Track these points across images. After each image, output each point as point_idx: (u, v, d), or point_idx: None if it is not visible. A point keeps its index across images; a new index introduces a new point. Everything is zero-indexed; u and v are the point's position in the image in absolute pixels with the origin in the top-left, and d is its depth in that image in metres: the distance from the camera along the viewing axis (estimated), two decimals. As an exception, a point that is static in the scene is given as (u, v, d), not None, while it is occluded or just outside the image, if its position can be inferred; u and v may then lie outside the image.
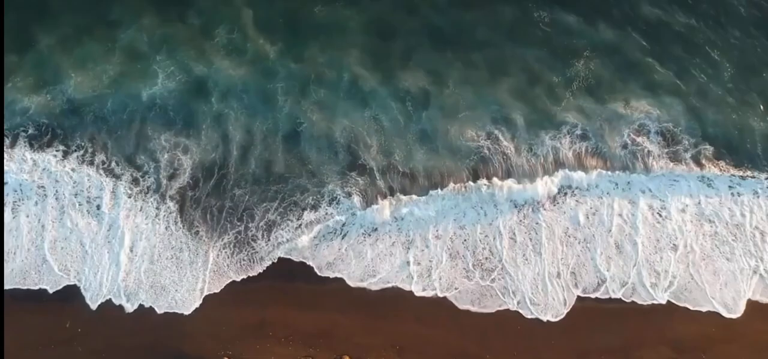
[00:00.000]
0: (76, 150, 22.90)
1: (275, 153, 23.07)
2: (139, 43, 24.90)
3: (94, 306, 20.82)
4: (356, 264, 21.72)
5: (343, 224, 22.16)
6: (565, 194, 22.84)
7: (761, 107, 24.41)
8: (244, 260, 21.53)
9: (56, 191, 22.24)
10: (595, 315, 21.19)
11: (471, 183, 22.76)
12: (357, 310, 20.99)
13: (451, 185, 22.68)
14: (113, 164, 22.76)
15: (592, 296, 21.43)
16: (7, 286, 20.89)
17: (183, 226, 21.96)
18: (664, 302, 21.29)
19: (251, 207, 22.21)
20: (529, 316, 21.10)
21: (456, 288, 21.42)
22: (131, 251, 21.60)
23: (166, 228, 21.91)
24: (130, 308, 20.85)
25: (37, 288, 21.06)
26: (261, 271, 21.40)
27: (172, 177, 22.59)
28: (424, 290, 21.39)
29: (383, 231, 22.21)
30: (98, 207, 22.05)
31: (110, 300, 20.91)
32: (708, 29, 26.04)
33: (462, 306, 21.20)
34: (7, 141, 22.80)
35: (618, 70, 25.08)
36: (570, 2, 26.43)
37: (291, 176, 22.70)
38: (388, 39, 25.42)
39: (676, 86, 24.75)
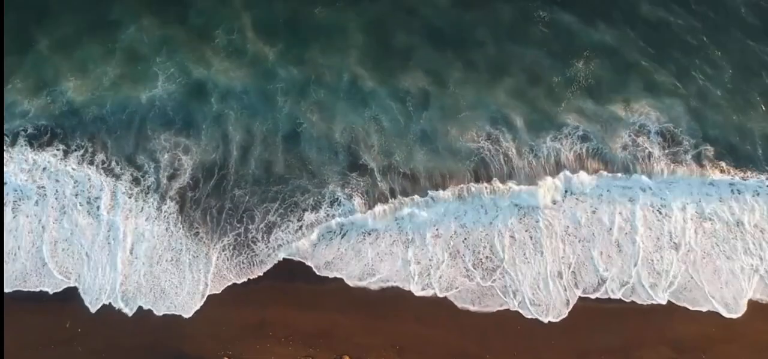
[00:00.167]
0: (76, 149, 23.17)
1: (275, 154, 23.31)
2: (139, 44, 25.17)
3: (93, 310, 21.06)
4: (355, 264, 21.93)
5: (343, 225, 22.33)
6: (566, 194, 23.02)
7: (763, 108, 24.64)
8: (244, 262, 21.75)
9: (56, 191, 22.48)
10: (595, 315, 21.37)
11: (472, 185, 22.95)
12: (357, 310, 21.18)
13: (452, 188, 22.88)
14: (113, 163, 23.05)
15: (592, 296, 21.62)
16: (7, 289, 21.13)
17: (183, 228, 22.18)
18: (664, 302, 21.46)
19: (251, 208, 22.44)
20: (530, 317, 21.27)
21: (456, 288, 21.62)
22: (131, 253, 21.81)
23: (166, 230, 22.13)
24: (129, 312, 21.07)
25: (37, 290, 21.33)
26: (261, 274, 21.60)
27: (172, 178, 22.84)
28: (423, 289, 21.59)
29: (383, 231, 22.41)
30: (98, 208, 22.26)
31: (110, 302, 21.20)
32: (708, 30, 26.24)
33: (462, 306, 21.39)
34: (7, 141, 23.03)
35: (618, 71, 25.28)
36: (570, 2, 26.63)
37: (291, 176, 22.93)
38: (388, 39, 25.64)
39: (676, 87, 24.97)
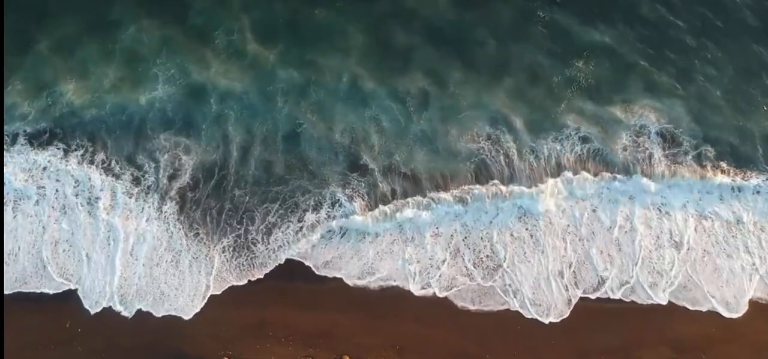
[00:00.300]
0: (76, 149, 23.30)
1: (275, 154, 23.50)
2: (139, 45, 25.32)
3: (93, 312, 21.18)
4: (355, 263, 22.09)
5: (343, 227, 22.50)
6: (566, 195, 23.19)
7: (765, 108, 24.87)
8: (245, 264, 21.89)
9: (56, 190, 22.62)
10: (595, 315, 21.53)
11: (473, 188, 23.12)
12: (357, 310, 21.34)
13: (453, 190, 23.10)
14: (113, 163, 23.16)
15: (592, 296, 21.79)
16: (7, 291, 21.26)
17: (184, 229, 22.32)
18: (664, 302, 21.63)
19: (252, 209, 22.61)
20: (531, 317, 21.43)
21: (456, 287, 21.79)
22: (131, 254, 21.93)
23: (166, 230, 22.26)
24: (129, 315, 21.21)
25: (37, 291, 21.46)
26: (261, 276, 21.76)
27: (172, 178, 23.00)
28: (423, 289, 21.75)
29: (383, 231, 22.55)
30: (98, 209, 22.36)
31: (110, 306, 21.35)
32: (708, 30, 26.49)
33: (462, 305, 21.55)
34: (6, 141, 23.18)
35: (618, 72, 25.49)
36: (570, 3, 26.83)
37: (291, 177, 23.11)
38: (388, 40, 25.80)
39: (676, 88, 25.17)
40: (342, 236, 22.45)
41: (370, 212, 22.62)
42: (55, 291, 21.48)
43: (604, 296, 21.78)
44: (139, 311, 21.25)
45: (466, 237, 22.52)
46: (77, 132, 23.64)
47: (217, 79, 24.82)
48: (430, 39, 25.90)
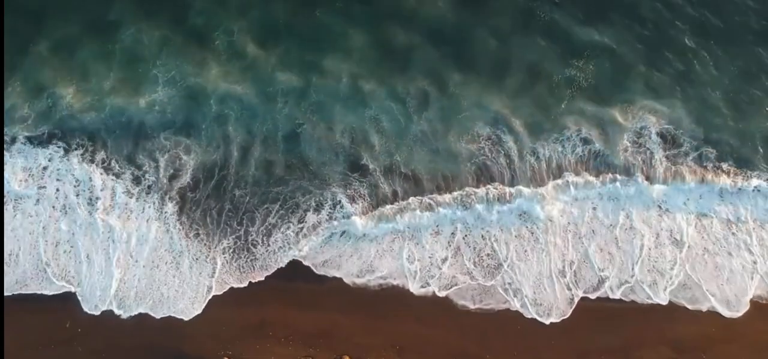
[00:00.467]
0: (76, 148, 23.45)
1: (276, 155, 23.69)
2: (139, 47, 25.44)
3: (92, 314, 21.35)
4: (354, 261, 22.30)
5: (344, 229, 22.73)
6: (567, 196, 23.44)
7: (766, 109, 25.14)
8: (246, 266, 22.05)
9: (57, 190, 22.78)
10: (595, 315, 21.74)
11: (474, 189, 23.38)
12: (357, 310, 21.54)
13: (454, 192, 23.34)
14: (113, 162, 23.31)
15: (592, 296, 21.99)
16: (7, 293, 21.40)
17: (184, 230, 22.49)
18: (664, 302, 21.85)
19: (252, 210, 22.78)
20: (533, 317, 21.63)
21: (456, 285, 22.01)
22: (131, 256, 22.09)
23: (166, 232, 22.40)
24: (129, 317, 21.38)
25: (37, 293, 21.66)
26: (262, 278, 21.93)
27: (173, 178, 23.16)
28: (423, 287, 21.96)
29: (384, 231, 22.81)
30: (98, 209, 22.51)
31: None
32: (710, 31, 26.74)
33: (462, 304, 21.77)
34: (7, 141, 23.35)
35: (619, 73, 25.72)
36: (570, 3, 27.05)
37: (292, 177, 23.30)
38: (388, 40, 25.98)
39: (677, 89, 25.42)
40: (341, 235, 22.66)
41: (370, 213, 22.85)
42: (55, 292, 21.60)
43: (604, 296, 21.99)
44: (140, 312, 21.41)
45: (466, 236, 22.74)
46: (77, 132, 23.79)
47: (217, 80, 24.97)
48: (430, 39, 26.07)
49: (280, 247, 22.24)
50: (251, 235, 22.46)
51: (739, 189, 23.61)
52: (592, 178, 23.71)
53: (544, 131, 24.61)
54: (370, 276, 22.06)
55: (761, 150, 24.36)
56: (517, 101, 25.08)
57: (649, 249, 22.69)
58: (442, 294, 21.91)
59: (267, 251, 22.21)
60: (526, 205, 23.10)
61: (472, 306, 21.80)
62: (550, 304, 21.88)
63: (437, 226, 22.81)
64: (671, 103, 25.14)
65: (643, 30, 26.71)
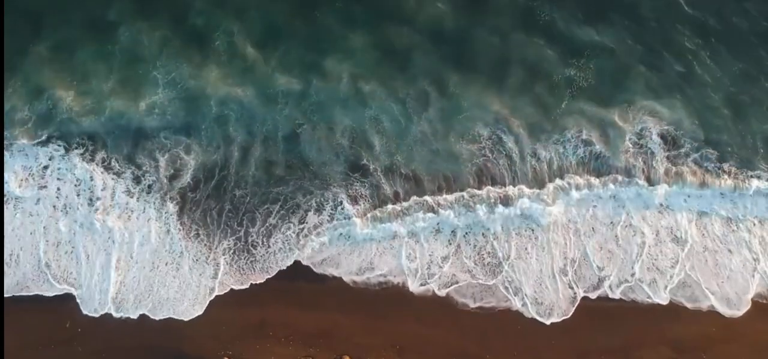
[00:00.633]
0: (77, 147, 23.57)
1: (276, 156, 23.84)
2: (138, 48, 25.53)
3: (91, 316, 21.54)
4: (354, 259, 22.51)
5: (344, 232, 22.91)
6: (567, 197, 23.67)
7: (766, 110, 25.41)
8: (247, 268, 22.21)
9: (58, 189, 22.92)
10: (595, 315, 21.96)
11: (475, 191, 23.61)
12: (357, 310, 21.73)
13: (455, 193, 23.57)
14: (113, 162, 23.43)
15: (593, 295, 22.22)
16: (6, 294, 21.55)
17: (184, 231, 22.63)
18: (664, 302, 22.09)
19: (253, 210, 22.92)
20: (535, 317, 21.85)
21: (457, 282, 22.24)
22: (132, 257, 22.24)
23: (167, 233, 22.55)
24: (130, 317, 21.58)
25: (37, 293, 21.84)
26: (262, 281, 22.09)
27: (173, 178, 23.32)
28: (422, 286, 22.17)
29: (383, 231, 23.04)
30: (98, 209, 22.64)
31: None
32: (710, 31, 26.94)
33: (462, 302, 21.99)
34: (6, 141, 23.46)
35: (619, 74, 25.90)
36: (570, 4, 27.25)
37: (292, 178, 23.47)
38: (388, 41, 26.13)
39: (678, 89, 25.64)
40: (341, 235, 22.84)
41: (371, 213, 23.04)
42: (55, 293, 21.76)
43: (604, 295, 22.21)
44: (140, 314, 21.58)
45: (467, 234, 22.95)
46: (77, 132, 23.89)
47: (217, 80, 25.08)
48: (430, 39, 26.20)
49: (281, 248, 22.39)
50: (252, 236, 22.60)
51: (740, 190, 23.85)
52: (593, 179, 23.96)
53: (544, 131, 24.83)
54: (370, 274, 22.25)
55: (762, 150, 24.63)
56: (517, 102, 25.25)
57: (650, 247, 22.92)
58: (441, 292, 22.10)
59: (268, 252, 22.35)
60: (528, 206, 23.27)
61: (472, 305, 22.01)
62: (551, 303, 22.09)
63: (438, 225, 23.00)
64: (671, 103, 25.35)
65: (643, 30, 26.90)
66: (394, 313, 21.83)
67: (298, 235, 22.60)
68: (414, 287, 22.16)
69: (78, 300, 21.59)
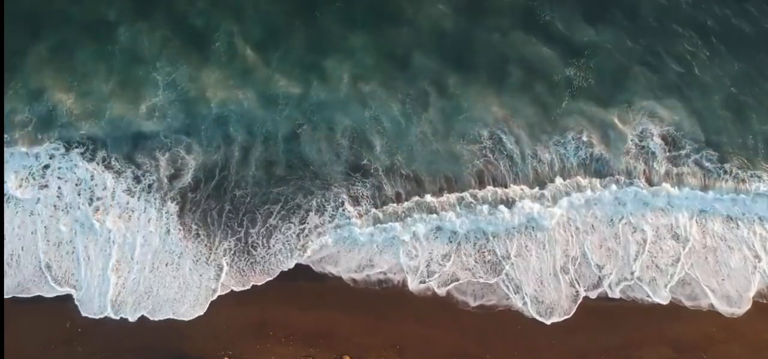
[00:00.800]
0: (77, 147, 23.72)
1: (276, 156, 24.00)
2: (138, 49, 25.72)
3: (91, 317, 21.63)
4: (353, 257, 22.63)
5: (345, 233, 23.05)
6: (568, 197, 23.83)
7: (766, 110, 25.65)
8: (248, 269, 22.34)
9: (59, 189, 23.04)
10: (595, 314, 22.09)
11: (476, 191, 23.82)
12: (357, 310, 21.87)
13: (456, 193, 23.76)
14: (113, 161, 23.56)
15: (593, 295, 22.37)
16: (7, 295, 21.66)
17: (186, 233, 22.75)
18: (664, 301, 22.23)
19: (253, 211, 23.05)
20: (533, 316, 21.99)
21: (457, 280, 22.39)
22: (132, 258, 22.35)
23: (167, 234, 22.66)
24: (127, 318, 21.68)
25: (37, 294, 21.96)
26: (263, 283, 22.22)
27: (173, 178, 23.47)
28: (422, 283, 22.29)
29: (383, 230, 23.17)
30: (98, 209, 22.77)
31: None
32: (711, 32, 27.14)
33: (462, 301, 22.13)
34: (7, 140, 23.65)
35: (620, 75, 26.08)
36: (571, 4, 27.44)
37: (293, 178, 23.62)
38: (388, 41, 26.32)
39: (678, 90, 25.86)
40: (342, 234, 22.95)
41: (371, 213, 23.21)
42: (55, 293, 21.87)
43: (604, 295, 22.35)
44: (139, 315, 21.69)
45: (467, 233, 23.08)
46: (77, 132, 24.01)
47: (217, 81, 25.24)
48: (430, 40, 26.40)
49: (281, 249, 22.51)
50: (252, 237, 22.72)
51: (741, 190, 24.10)
52: (593, 179, 24.19)
53: (545, 132, 25.00)
54: (370, 271, 22.37)
55: (763, 151, 24.87)
56: (517, 102, 25.45)
57: (650, 245, 23.08)
58: (441, 290, 22.21)
59: (268, 253, 22.47)
60: (529, 206, 23.45)
61: (472, 303, 22.14)
62: (552, 302, 22.24)
63: (439, 225, 23.16)
64: (672, 104, 25.55)
65: (643, 30, 27.07)
66: (395, 313, 21.95)
67: (298, 236, 22.73)
68: (413, 285, 22.27)
69: (77, 302, 21.68)
